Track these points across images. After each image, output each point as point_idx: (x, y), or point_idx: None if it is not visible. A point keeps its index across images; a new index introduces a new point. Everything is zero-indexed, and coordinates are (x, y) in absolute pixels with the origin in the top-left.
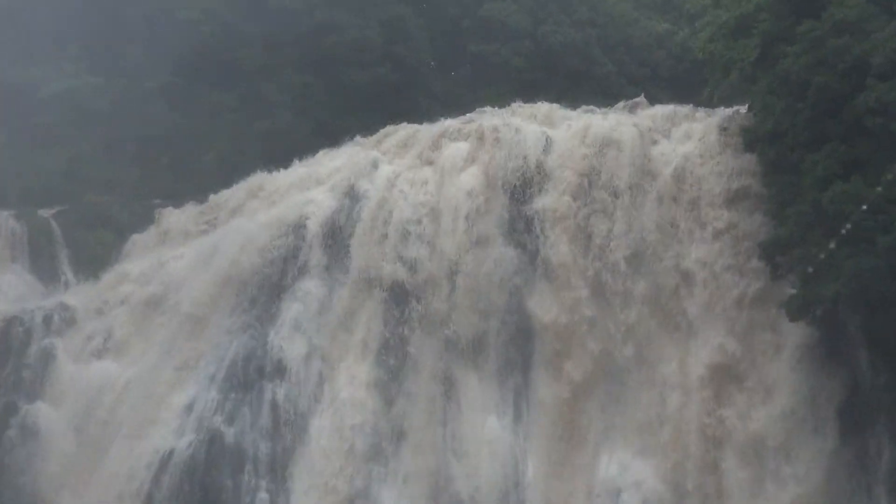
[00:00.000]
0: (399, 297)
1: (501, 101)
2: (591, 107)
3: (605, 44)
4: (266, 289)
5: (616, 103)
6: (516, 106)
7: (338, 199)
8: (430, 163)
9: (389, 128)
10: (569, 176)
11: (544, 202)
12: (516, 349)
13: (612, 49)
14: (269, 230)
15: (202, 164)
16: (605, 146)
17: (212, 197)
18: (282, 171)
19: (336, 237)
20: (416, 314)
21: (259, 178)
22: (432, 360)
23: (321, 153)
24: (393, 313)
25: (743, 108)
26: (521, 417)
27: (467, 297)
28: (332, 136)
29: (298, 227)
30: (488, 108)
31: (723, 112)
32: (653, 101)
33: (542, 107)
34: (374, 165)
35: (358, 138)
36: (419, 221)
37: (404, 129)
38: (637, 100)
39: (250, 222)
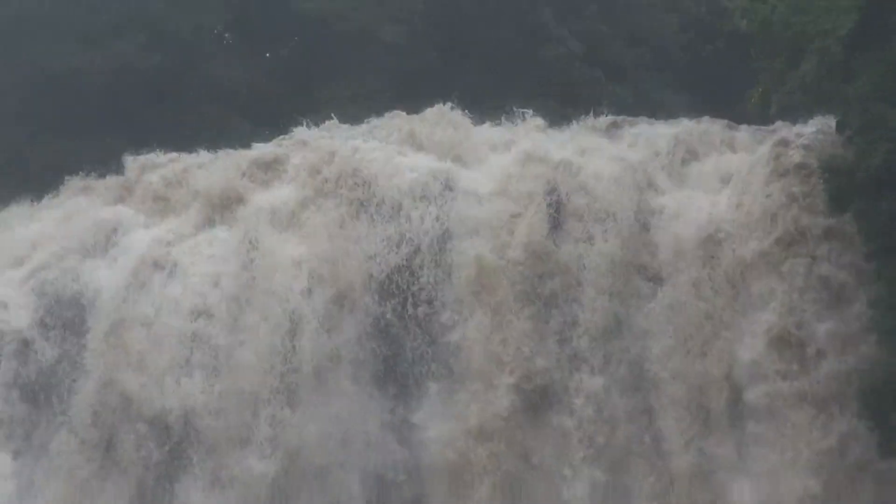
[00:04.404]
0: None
1: (360, 107)
2: (535, 117)
3: (563, 3)
4: None
5: (582, 114)
6: (390, 117)
7: (43, 300)
8: (223, 224)
9: (149, 158)
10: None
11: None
12: None
13: (578, 12)
14: None
15: None
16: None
17: None
18: None
19: (41, 372)
20: None
21: None
22: None
23: (10, 210)
24: None
25: (827, 127)
26: None
27: None
28: (33, 178)
29: None
30: (333, 121)
31: (787, 133)
32: (654, 108)
33: (439, 118)
34: (116, 232)
35: (78, 180)
36: (205, 339)
37: (175, 163)
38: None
39: None
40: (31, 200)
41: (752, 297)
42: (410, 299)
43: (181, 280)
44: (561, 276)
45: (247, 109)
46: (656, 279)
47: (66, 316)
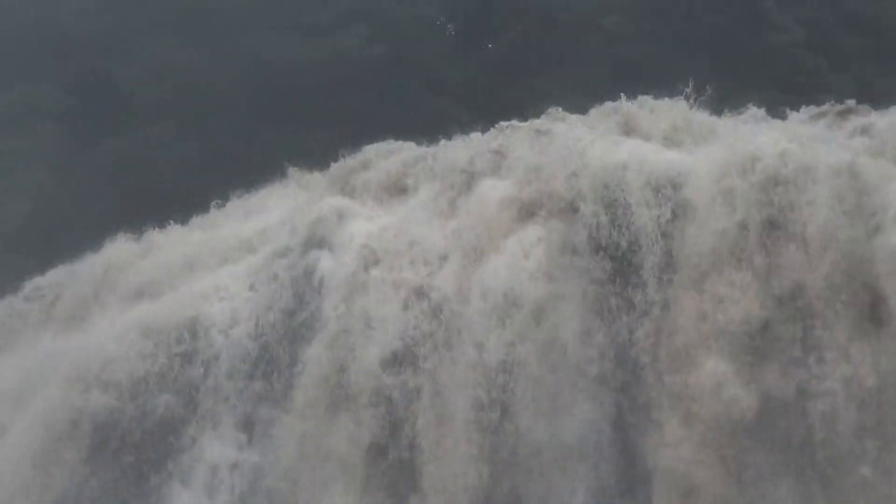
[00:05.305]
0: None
1: (580, 97)
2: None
3: None
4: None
5: (805, 103)
6: (606, 108)
7: (269, 289)
8: (447, 216)
9: (368, 150)
10: (719, 253)
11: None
12: None
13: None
14: (133, 346)
15: None
16: (786, 193)
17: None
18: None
19: (268, 361)
20: None
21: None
22: None
23: (234, 201)
24: None
25: None
26: None
27: None
28: (255, 169)
29: (189, 342)
30: (554, 112)
31: None
32: (877, 97)
33: (658, 109)
34: (337, 221)
35: (298, 173)
36: (428, 334)
37: (396, 155)
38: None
39: (95, 333)
40: (253, 192)
41: None
42: None
43: (403, 269)
44: None
45: (467, 100)
46: None
47: (289, 305)
